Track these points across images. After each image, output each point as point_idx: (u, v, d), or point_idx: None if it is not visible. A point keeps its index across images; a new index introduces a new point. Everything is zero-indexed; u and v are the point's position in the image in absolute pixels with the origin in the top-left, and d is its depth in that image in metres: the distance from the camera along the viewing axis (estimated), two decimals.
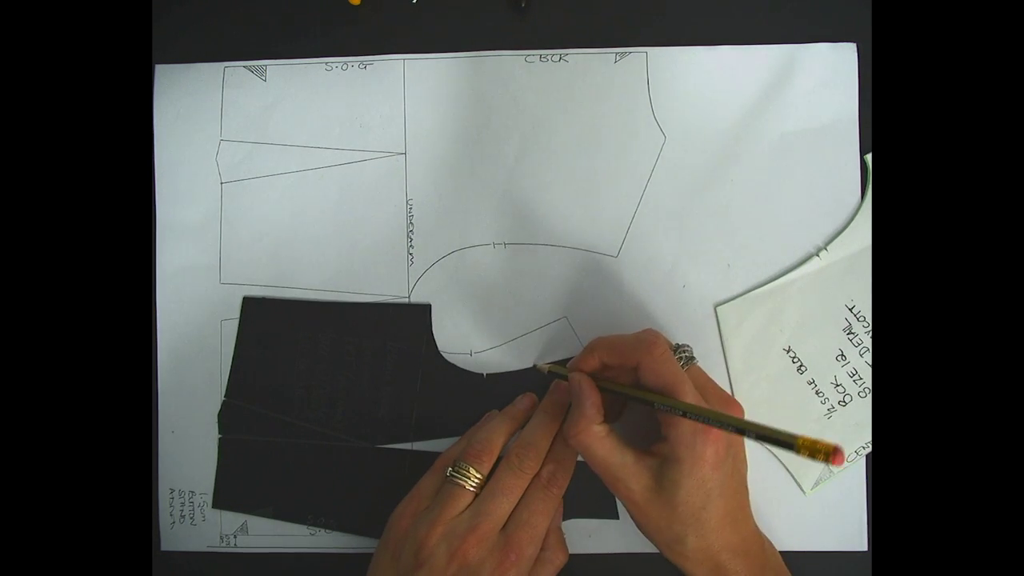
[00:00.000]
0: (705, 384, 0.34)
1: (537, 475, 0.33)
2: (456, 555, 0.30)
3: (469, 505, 0.32)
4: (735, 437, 0.31)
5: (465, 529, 0.31)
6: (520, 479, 0.33)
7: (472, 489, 0.33)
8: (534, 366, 0.38)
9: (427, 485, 0.34)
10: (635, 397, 0.31)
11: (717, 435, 0.30)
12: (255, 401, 0.38)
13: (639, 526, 0.32)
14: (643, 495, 0.31)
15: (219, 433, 0.38)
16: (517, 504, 0.32)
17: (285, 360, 0.38)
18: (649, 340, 0.32)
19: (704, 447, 0.30)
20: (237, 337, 0.39)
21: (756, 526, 0.33)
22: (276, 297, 0.39)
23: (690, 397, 0.30)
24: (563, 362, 0.37)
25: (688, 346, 0.34)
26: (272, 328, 0.38)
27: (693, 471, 0.30)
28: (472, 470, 0.33)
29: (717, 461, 0.30)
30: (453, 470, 0.33)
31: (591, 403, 0.32)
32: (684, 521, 0.30)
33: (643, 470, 0.31)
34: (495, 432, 0.34)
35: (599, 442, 0.31)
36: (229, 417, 0.38)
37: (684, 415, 0.29)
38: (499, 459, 0.34)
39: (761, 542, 0.33)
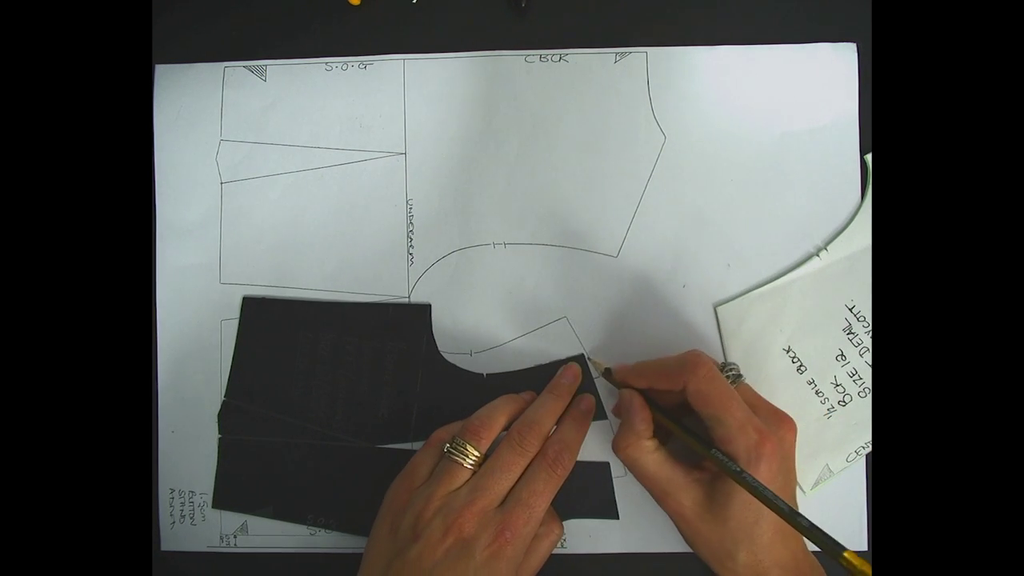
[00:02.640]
0: (755, 401, 0.33)
1: (542, 454, 0.33)
2: (452, 529, 0.30)
3: (467, 481, 0.32)
4: (788, 451, 0.31)
5: (462, 504, 0.31)
6: (521, 457, 0.32)
7: (469, 467, 0.32)
8: (587, 358, 0.37)
9: (423, 461, 0.34)
10: (691, 439, 0.31)
11: (771, 449, 0.29)
12: (255, 401, 0.38)
13: (688, 541, 0.32)
14: (694, 510, 0.31)
15: (219, 433, 0.38)
16: (517, 482, 0.32)
17: (285, 360, 0.38)
18: (693, 360, 0.31)
19: (758, 462, 0.29)
20: (237, 337, 0.39)
21: (805, 543, 0.32)
22: (276, 297, 0.39)
23: (740, 414, 0.30)
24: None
25: (735, 364, 0.34)
26: (272, 328, 0.38)
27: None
28: (470, 447, 0.33)
29: (770, 476, 0.29)
30: (451, 446, 0.33)
31: (640, 418, 0.32)
32: (735, 537, 0.30)
33: (694, 484, 0.31)
34: (496, 411, 0.34)
35: (648, 456, 0.31)
36: (229, 417, 0.38)
37: (739, 475, 0.29)
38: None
39: (811, 559, 0.32)
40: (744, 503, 0.30)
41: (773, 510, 0.28)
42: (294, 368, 0.38)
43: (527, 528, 0.31)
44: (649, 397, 0.33)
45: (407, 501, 0.32)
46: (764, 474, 0.29)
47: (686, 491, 0.31)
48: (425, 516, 0.31)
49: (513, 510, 0.31)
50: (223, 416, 0.38)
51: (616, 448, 0.32)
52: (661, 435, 0.33)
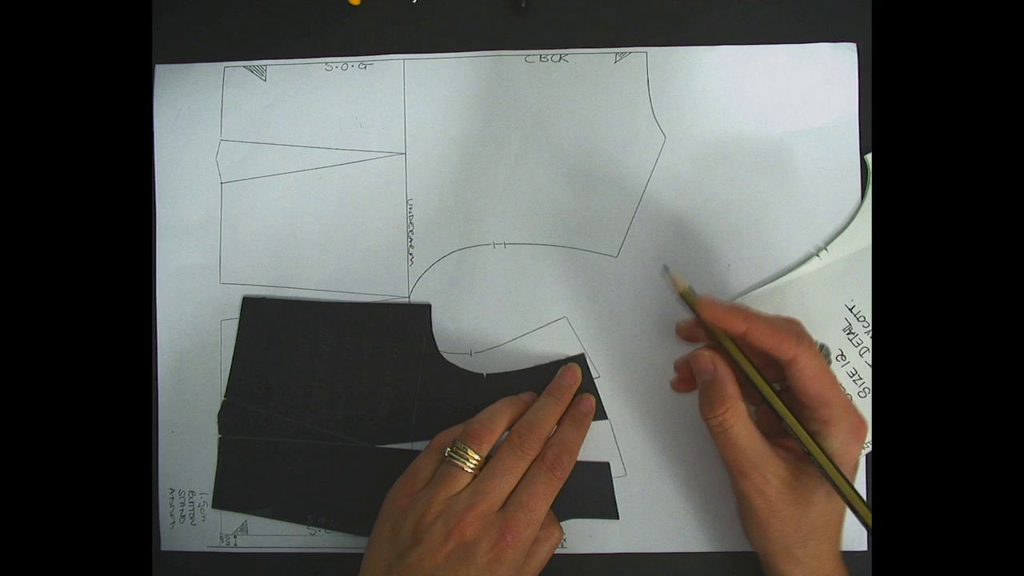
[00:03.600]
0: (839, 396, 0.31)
1: (541, 457, 0.33)
2: (453, 532, 0.30)
3: (468, 484, 0.32)
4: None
5: (463, 507, 0.31)
6: (521, 460, 0.32)
7: (470, 471, 0.32)
8: (665, 268, 0.33)
9: (424, 465, 0.34)
10: (793, 426, 0.29)
11: (864, 435, 0.29)
12: (255, 401, 0.38)
13: (760, 523, 0.30)
14: (779, 488, 0.29)
15: (219, 433, 0.38)
16: (518, 485, 0.32)
17: (285, 360, 0.38)
18: (805, 335, 0.29)
19: (856, 451, 0.28)
20: (237, 337, 0.39)
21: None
22: (276, 297, 0.39)
23: (845, 396, 0.28)
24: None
25: (827, 346, 0.32)
26: (272, 328, 0.38)
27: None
28: (470, 451, 0.33)
29: (853, 464, 0.29)
30: (451, 450, 0.33)
31: (731, 381, 0.30)
32: (813, 523, 0.29)
33: (783, 460, 0.29)
34: (496, 414, 0.34)
35: (743, 424, 0.29)
36: (229, 417, 0.38)
37: (834, 485, 0.27)
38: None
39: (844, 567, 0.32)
40: (830, 491, 0.28)
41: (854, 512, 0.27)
42: (294, 368, 0.38)
43: (528, 531, 0.31)
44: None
45: (408, 505, 0.32)
46: (856, 463, 0.29)
47: (776, 466, 0.29)
48: (426, 520, 0.31)
49: (514, 514, 0.31)
50: (223, 416, 0.38)
51: (709, 413, 0.30)
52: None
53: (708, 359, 0.31)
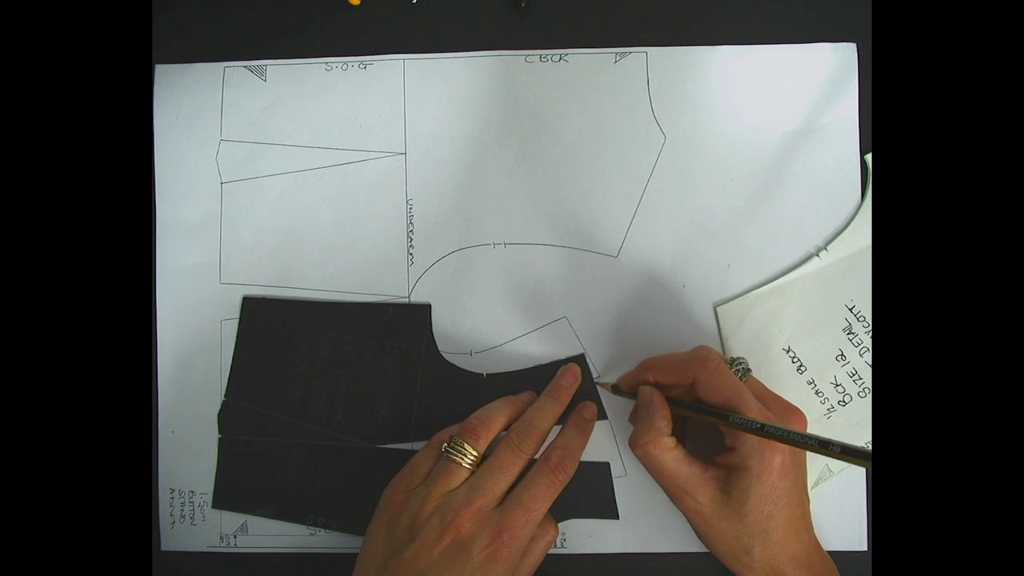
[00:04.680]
0: (765, 394, 0.34)
1: (545, 458, 0.33)
2: (449, 529, 0.30)
3: (465, 481, 0.32)
4: None
5: (459, 504, 0.31)
6: (519, 458, 0.33)
7: (467, 467, 0.32)
8: (596, 382, 0.37)
9: (421, 461, 0.34)
10: (707, 414, 0.31)
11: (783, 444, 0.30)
12: (255, 401, 0.38)
13: (704, 539, 0.32)
14: (711, 507, 0.31)
15: (219, 433, 0.38)
16: (518, 485, 0.32)
17: (285, 360, 0.38)
18: (702, 355, 0.32)
19: (772, 455, 0.30)
20: (237, 337, 0.39)
21: (816, 537, 0.33)
22: (276, 297, 0.39)
23: (753, 409, 0.30)
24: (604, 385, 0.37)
25: (743, 359, 0.35)
26: (272, 328, 0.38)
27: (761, 480, 0.30)
28: (468, 446, 0.33)
29: (784, 469, 0.30)
30: (448, 446, 0.33)
31: (661, 415, 0.32)
32: (752, 531, 0.30)
33: (711, 482, 0.31)
34: (495, 412, 0.34)
35: (668, 453, 0.31)
36: (229, 417, 0.38)
37: (761, 430, 0.29)
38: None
39: (822, 553, 0.32)
40: (759, 499, 0.30)
41: (805, 447, 0.28)
42: (294, 368, 0.38)
43: (525, 531, 0.31)
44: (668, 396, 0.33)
45: (404, 501, 0.32)
46: (778, 466, 0.30)
47: (704, 488, 0.31)
48: (422, 516, 0.31)
49: (512, 512, 0.31)
50: (223, 416, 0.38)
51: (635, 445, 0.32)
52: (677, 435, 0.33)
53: (647, 394, 0.33)
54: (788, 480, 0.30)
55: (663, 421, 0.32)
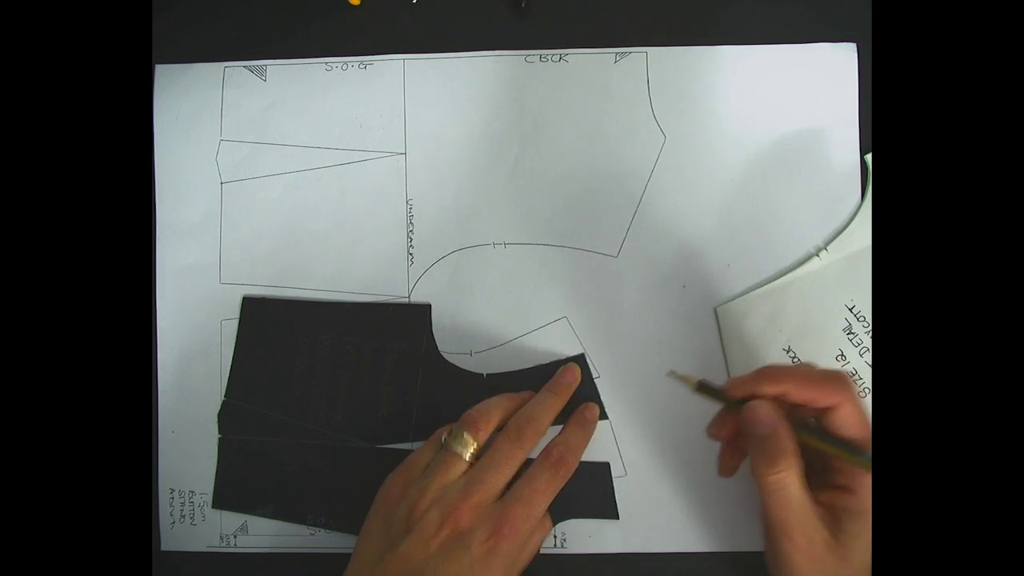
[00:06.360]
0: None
1: (546, 454, 0.32)
2: (448, 521, 0.30)
3: (464, 473, 0.32)
4: None
5: (458, 496, 0.30)
6: (518, 451, 0.32)
7: (467, 459, 0.32)
8: (672, 372, 0.34)
9: (421, 456, 0.33)
10: (841, 448, 0.29)
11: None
12: (255, 401, 0.38)
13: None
14: (822, 548, 0.29)
15: (219, 433, 0.38)
16: (520, 480, 0.32)
17: (285, 360, 0.38)
18: (846, 379, 0.29)
19: None
20: (237, 337, 0.39)
21: None
22: (276, 297, 0.39)
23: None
24: (712, 389, 0.32)
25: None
26: (272, 328, 0.38)
27: (871, 525, 0.29)
28: (467, 436, 0.32)
29: None
30: (448, 437, 0.33)
31: (789, 436, 0.29)
32: (853, 574, 0.29)
33: (820, 519, 0.29)
34: (494, 406, 0.34)
35: (798, 482, 0.29)
36: (229, 417, 0.38)
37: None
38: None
39: None
40: (866, 544, 0.29)
41: None
42: (294, 368, 0.38)
43: (526, 526, 0.31)
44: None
45: (401, 494, 0.32)
46: None
47: (818, 528, 0.29)
48: (420, 508, 0.31)
49: (513, 507, 0.31)
50: (223, 416, 0.38)
51: (769, 470, 0.29)
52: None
53: (767, 410, 0.30)
54: None
55: (793, 443, 0.29)
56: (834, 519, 0.29)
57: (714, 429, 0.33)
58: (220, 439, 0.38)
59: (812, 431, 0.30)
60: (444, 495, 0.31)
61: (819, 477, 0.31)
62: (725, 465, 0.34)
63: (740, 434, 0.32)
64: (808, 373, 0.30)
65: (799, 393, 0.29)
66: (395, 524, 0.31)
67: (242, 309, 0.39)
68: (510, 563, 0.30)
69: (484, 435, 0.33)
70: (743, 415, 0.30)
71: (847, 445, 0.29)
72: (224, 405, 0.38)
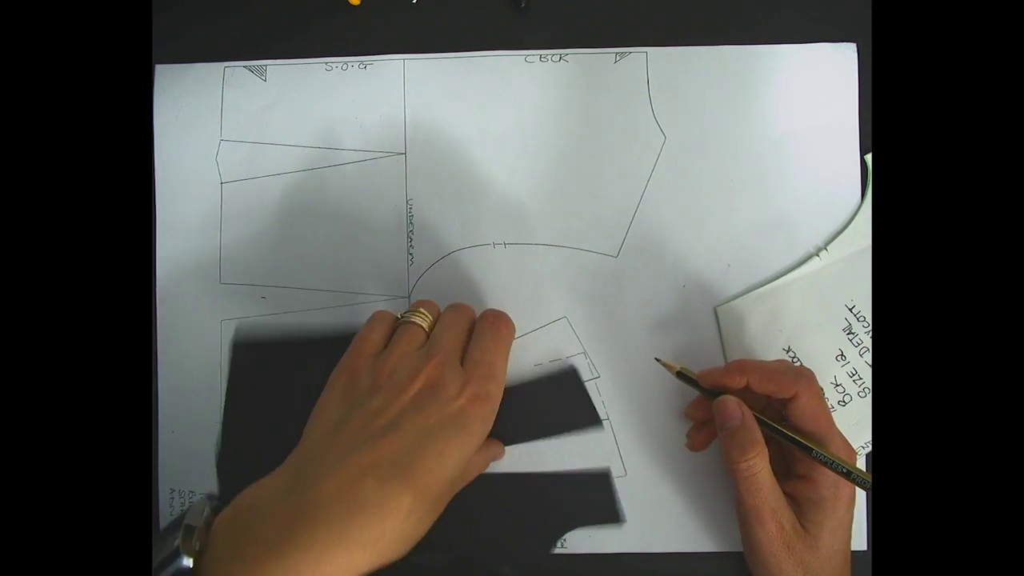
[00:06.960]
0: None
1: (480, 319, 0.33)
2: (420, 375, 0.29)
3: (424, 342, 0.32)
4: None
5: (425, 357, 0.30)
6: (460, 316, 0.33)
7: (425, 328, 0.32)
8: (657, 359, 0.36)
9: (372, 330, 0.32)
10: (792, 440, 0.31)
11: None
12: (251, 450, 0.38)
13: (770, 570, 0.31)
14: (793, 534, 0.31)
15: (219, 483, 0.38)
16: (468, 348, 0.32)
17: (280, 402, 0.38)
18: (810, 376, 0.32)
19: (845, 488, 0.31)
20: (228, 381, 0.38)
21: None
22: (267, 337, 0.38)
23: (839, 444, 0.31)
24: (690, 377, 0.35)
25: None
26: (264, 371, 0.38)
27: (835, 511, 0.30)
28: (423, 310, 0.33)
29: (851, 502, 0.31)
30: (405, 314, 0.33)
31: (756, 426, 0.32)
32: (822, 565, 0.31)
33: (788, 507, 0.31)
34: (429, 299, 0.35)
35: (768, 467, 0.31)
36: (227, 466, 0.38)
37: (847, 476, 0.30)
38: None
39: None
40: (831, 531, 0.31)
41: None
42: (290, 408, 0.37)
43: (490, 385, 0.30)
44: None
45: (364, 364, 0.31)
46: (847, 498, 0.31)
47: (787, 512, 0.31)
48: (385, 371, 0.30)
49: (473, 368, 0.30)
50: (221, 464, 0.38)
51: (740, 458, 0.31)
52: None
53: (735, 405, 0.32)
54: (851, 513, 0.31)
55: (759, 432, 0.31)
56: (799, 509, 0.31)
57: (690, 410, 0.36)
58: (220, 489, 0.38)
59: (773, 426, 0.32)
60: (410, 358, 0.30)
61: (782, 467, 0.33)
62: (695, 440, 0.36)
63: (711, 418, 0.34)
64: (771, 367, 0.32)
65: (761, 384, 0.32)
66: (359, 389, 0.30)
67: (232, 354, 0.38)
68: (486, 427, 0.30)
69: (435, 310, 0.33)
70: (715, 410, 0.33)
71: (802, 441, 0.31)
72: (220, 456, 0.38)
